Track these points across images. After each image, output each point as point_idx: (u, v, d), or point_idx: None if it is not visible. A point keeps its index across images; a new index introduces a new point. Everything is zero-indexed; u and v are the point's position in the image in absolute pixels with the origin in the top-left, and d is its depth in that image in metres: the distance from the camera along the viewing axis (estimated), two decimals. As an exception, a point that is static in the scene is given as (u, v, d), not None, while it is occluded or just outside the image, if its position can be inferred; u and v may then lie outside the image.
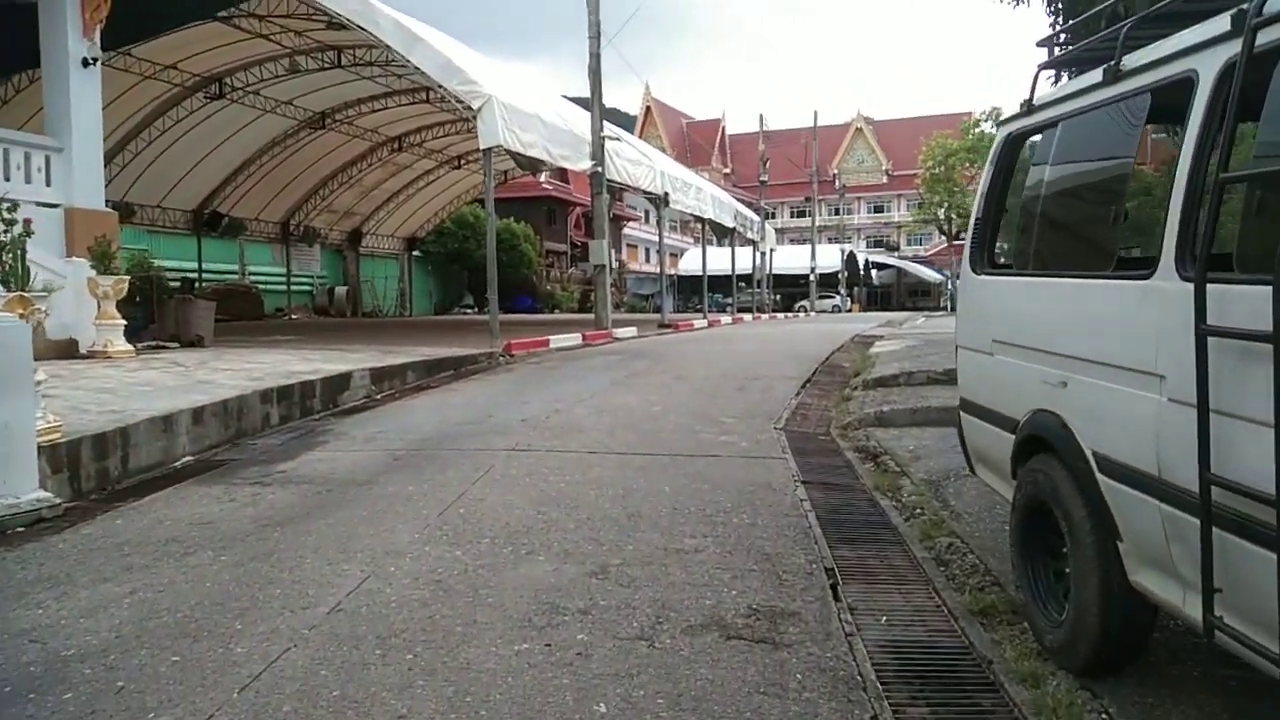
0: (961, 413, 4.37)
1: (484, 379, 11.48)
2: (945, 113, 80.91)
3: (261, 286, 37.22)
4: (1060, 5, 8.95)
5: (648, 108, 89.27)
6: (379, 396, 10.35)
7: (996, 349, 3.82)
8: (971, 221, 4.24)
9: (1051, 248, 3.53)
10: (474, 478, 6.10)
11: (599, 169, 18.11)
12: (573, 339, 16.52)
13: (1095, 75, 3.09)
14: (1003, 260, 4.27)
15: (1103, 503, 2.89)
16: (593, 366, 12.40)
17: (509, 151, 16.16)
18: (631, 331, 19.44)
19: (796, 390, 9.92)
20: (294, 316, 37.35)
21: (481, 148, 15.10)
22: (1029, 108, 3.69)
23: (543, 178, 55.36)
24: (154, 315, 14.73)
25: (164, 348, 13.35)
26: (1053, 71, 9.10)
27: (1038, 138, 3.77)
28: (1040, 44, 4.54)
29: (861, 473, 6.45)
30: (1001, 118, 3.87)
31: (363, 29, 15.49)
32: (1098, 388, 2.91)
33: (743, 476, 6.18)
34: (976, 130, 30.65)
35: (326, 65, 25.85)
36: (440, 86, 15.25)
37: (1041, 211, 3.50)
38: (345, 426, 8.48)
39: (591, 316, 19.93)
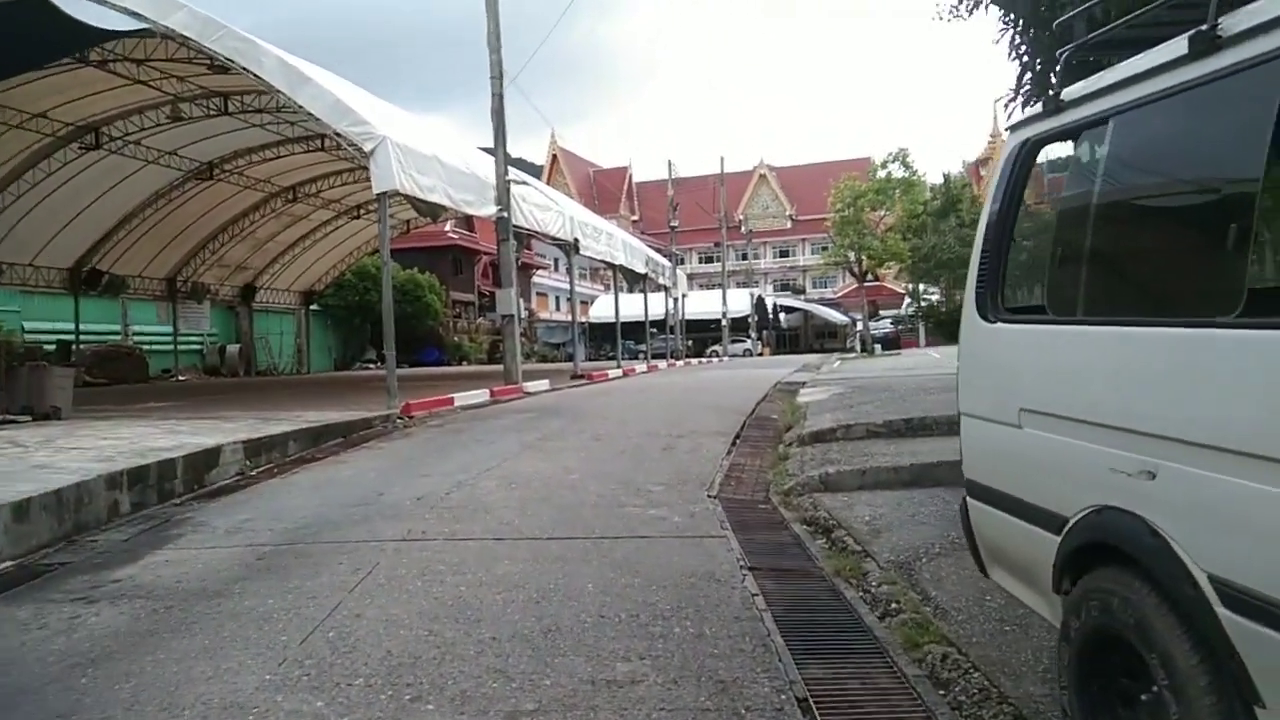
0: (970, 499, 3.46)
1: (377, 447, 10.26)
2: (845, 158, 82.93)
3: (146, 347, 35.01)
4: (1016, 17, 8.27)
5: (554, 156, 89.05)
6: (254, 473, 9.06)
7: (1028, 421, 2.94)
8: (976, 255, 3.39)
9: (1122, 284, 2.68)
10: (352, 583, 4.97)
11: (504, 214, 17.11)
12: (480, 395, 15.36)
13: (1172, 49, 2.26)
14: (1024, 304, 3.42)
15: (1227, 648, 2.00)
16: (502, 427, 11.29)
17: (406, 197, 15.11)
18: (543, 384, 18.37)
19: (727, 448, 9.01)
20: (182, 378, 35.17)
21: (375, 192, 13.99)
22: (1056, 105, 2.86)
23: (447, 226, 54.32)
24: (1, 385, 13.08)
25: (10, 422, 11.75)
26: (1014, 91, 8.33)
27: (1070, 143, 2.94)
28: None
29: (815, 552, 5.53)
30: (1012, 121, 2.96)
31: (245, 70, 14.34)
32: (1215, 483, 2.03)
33: (680, 564, 5.19)
34: (883, 172, 30.71)
35: (213, 112, 24.45)
36: (329, 128, 14.13)
37: (1095, 235, 2.64)
38: (208, 514, 7.21)
39: (501, 368, 18.84)
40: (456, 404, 14.23)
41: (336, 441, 10.78)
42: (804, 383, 16.41)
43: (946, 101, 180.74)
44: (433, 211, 15.78)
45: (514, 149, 20.02)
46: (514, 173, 18.15)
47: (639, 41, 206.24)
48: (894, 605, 4.38)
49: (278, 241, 38.39)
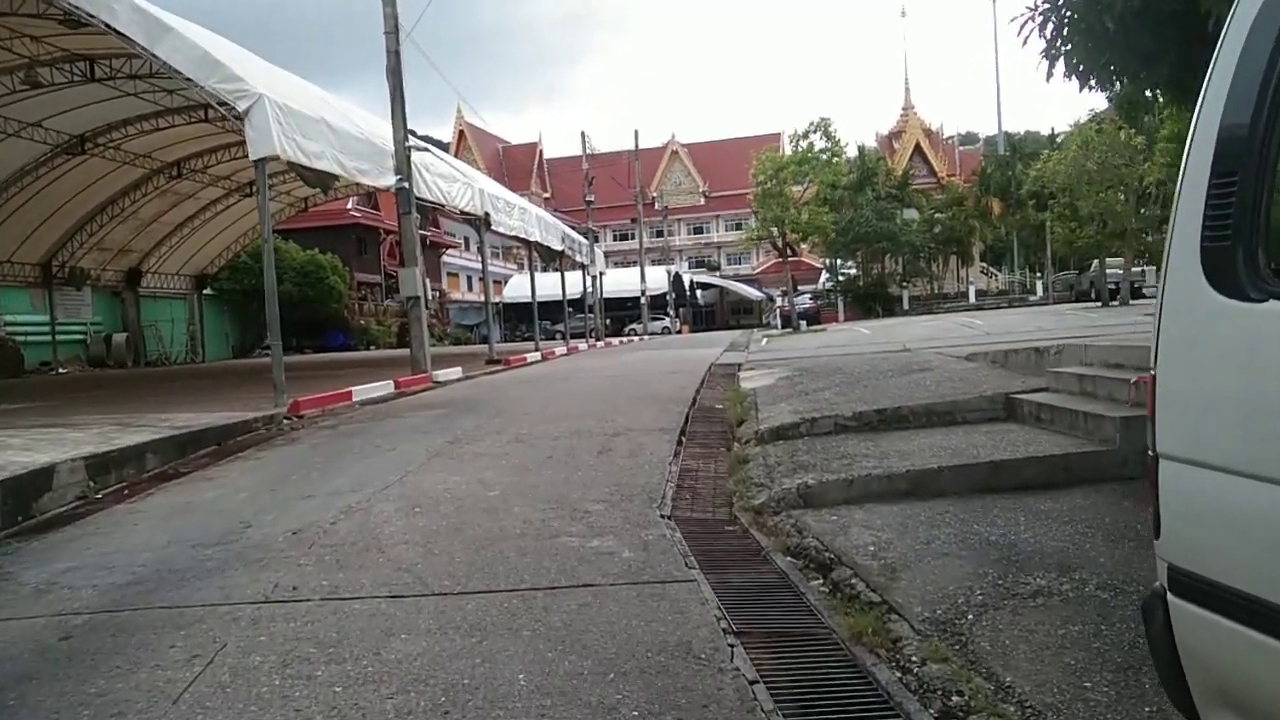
0: (1175, 598, 2.10)
1: (255, 458, 8.62)
2: (756, 134, 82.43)
3: (20, 339, 32.13)
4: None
5: (461, 132, 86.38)
6: (100, 496, 7.39)
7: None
8: (1194, 187, 2.05)
9: None
10: (181, 683, 3.48)
11: (405, 185, 15.38)
12: (383, 388, 13.71)
13: None
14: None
15: None
16: (406, 428, 9.73)
17: (291, 165, 13.31)
18: (455, 372, 16.76)
19: (673, 449, 7.66)
20: (62, 370, 32.44)
21: (251, 158, 12.18)
22: None
23: (349, 204, 51.70)
24: None
25: None
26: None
27: None
28: None
29: (816, 601, 4.21)
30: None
31: (94, 18, 12.36)
32: None
33: (642, 630, 3.83)
34: (805, 142, 29.72)
35: (77, 78, 22.00)
36: (196, 86, 12.24)
37: None
38: (19, 562, 5.57)
39: (409, 351, 17.13)
40: (355, 399, 12.57)
41: (208, 451, 9.09)
42: (740, 364, 15.19)
43: (854, 76, 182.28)
44: (322, 182, 13.99)
45: (420, 128, 18.26)
46: (415, 142, 16.41)
47: (548, 21, 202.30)
48: (956, 699, 3.08)
49: (163, 222, 35.65)
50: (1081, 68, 6.52)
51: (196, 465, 8.49)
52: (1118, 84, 6.94)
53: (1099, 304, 35.38)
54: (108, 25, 12.24)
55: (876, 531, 5.00)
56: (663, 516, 5.69)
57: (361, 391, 12.92)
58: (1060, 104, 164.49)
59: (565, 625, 3.92)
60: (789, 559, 4.85)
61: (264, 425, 10.35)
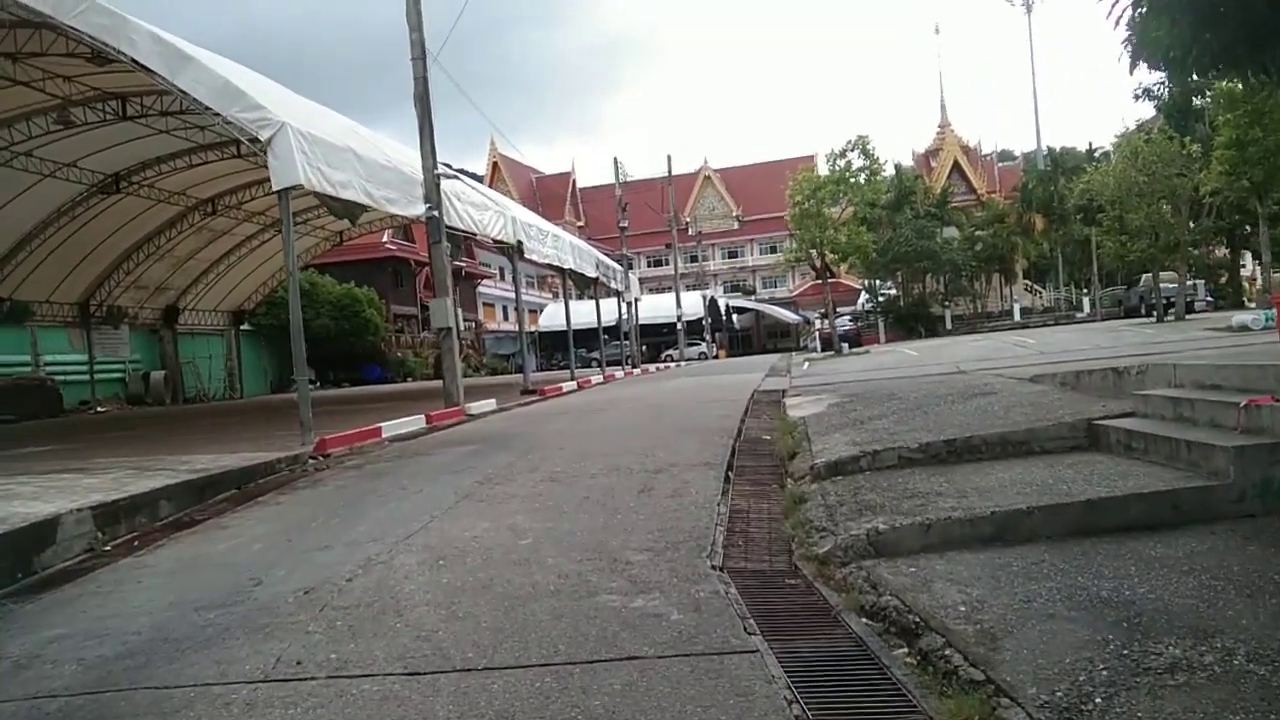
0: None
1: (275, 502, 8.11)
2: (788, 156, 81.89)
3: (59, 378, 32.30)
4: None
5: (494, 164, 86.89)
6: (109, 548, 6.91)
7: None
8: None
9: None
10: (146, 802, 2.91)
11: (435, 213, 14.97)
12: (414, 422, 13.21)
13: None
14: None
15: None
16: (435, 467, 9.18)
17: (317, 195, 12.97)
18: (489, 404, 16.25)
19: (720, 487, 7.01)
20: (100, 409, 32.52)
21: (275, 188, 11.81)
22: None
23: (385, 237, 51.84)
24: None
25: None
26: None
27: None
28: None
29: (904, 678, 3.56)
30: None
31: (116, 50, 12.17)
32: None
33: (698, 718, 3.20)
34: (842, 161, 29.05)
35: (109, 117, 22.06)
36: (217, 115, 11.93)
37: None
38: (9, 629, 5.09)
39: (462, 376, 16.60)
40: (384, 435, 12.07)
41: (227, 496, 8.61)
42: (784, 390, 14.51)
43: (889, 95, 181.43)
44: (350, 212, 13.60)
45: (453, 161, 17.89)
46: (445, 170, 16.02)
47: (580, 52, 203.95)
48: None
49: (200, 259, 35.86)
50: (1173, 54, 5.85)
51: (214, 511, 7.99)
52: (1216, 70, 6.27)
53: (1151, 319, 34.23)
54: (126, 57, 12.01)
55: (965, 586, 4.32)
56: (714, 568, 5.06)
57: (391, 427, 12.43)
58: (1097, 119, 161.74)
59: (608, 713, 3.30)
60: (865, 621, 4.19)
61: (288, 466, 9.87)
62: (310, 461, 10.21)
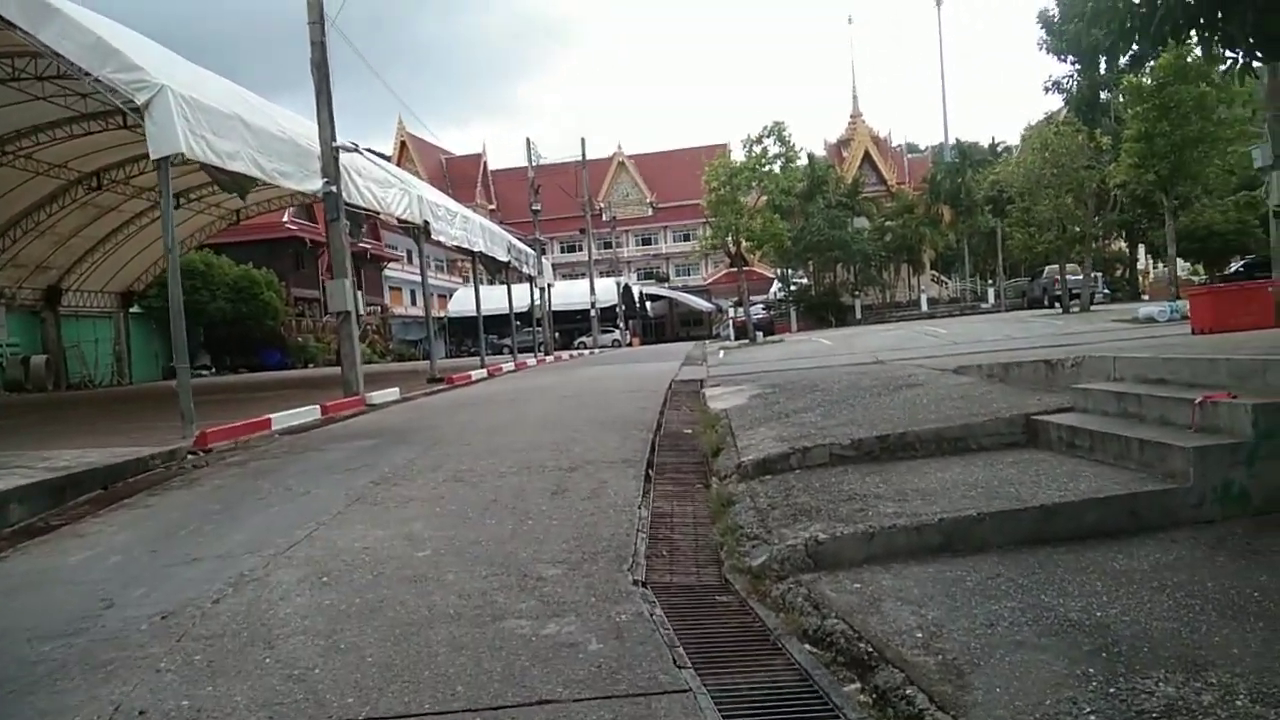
0: None
1: (144, 504, 7.24)
2: (700, 144, 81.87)
3: (-72, 361, 29.98)
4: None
5: (403, 143, 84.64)
6: (-59, 559, 5.99)
7: None
8: None
9: None
10: None
11: (332, 188, 14.01)
12: (308, 413, 12.31)
13: None
14: None
15: None
16: (327, 464, 8.39)
17: (203, 167, 11.95)
18: (392, 393, 15.37)
19: (641, 487, 6.46)
20: (-29, 396, 30.34)
21: (153, 157, 10.78)
22: None
23: (285, 216, 49.73)
24: None
25: None
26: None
27: None
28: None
29: (860, 722, 3.07)
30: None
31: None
32: None
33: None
34: (758, 147, 28.75)
35: (-25, 79, 20.14)
36: (88, 76, 10.81)
37: None
38: None
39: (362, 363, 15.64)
40: (274, 427, 11.17)
41: (91, 497, 7.69)
42: (703, 380, 14.05)
43: (800, 85, 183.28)
44: (239, 185, 12.59)
45: (359, 140, 16.81)
46: (345, 143, 15.02)
47: (493, 34, 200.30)
48: None
49: (84, 237, 33.67)
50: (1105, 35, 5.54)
51: (72, 516, 7.08)
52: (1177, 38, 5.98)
53: (1055, 311, 35.01)
54: (-15, 6, 10.79)
55: (919, 607, 3.85)
56: (636, 583, 4.50)
57: (282, 419, 11.52)
58: (1002, 115, 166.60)
59: (514, 784, 2.71)
60: (808, 648, 3.68)
61: (163, 463, 8.94)
62: (189, 457, 9.30)
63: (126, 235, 33.72)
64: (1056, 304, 39.31)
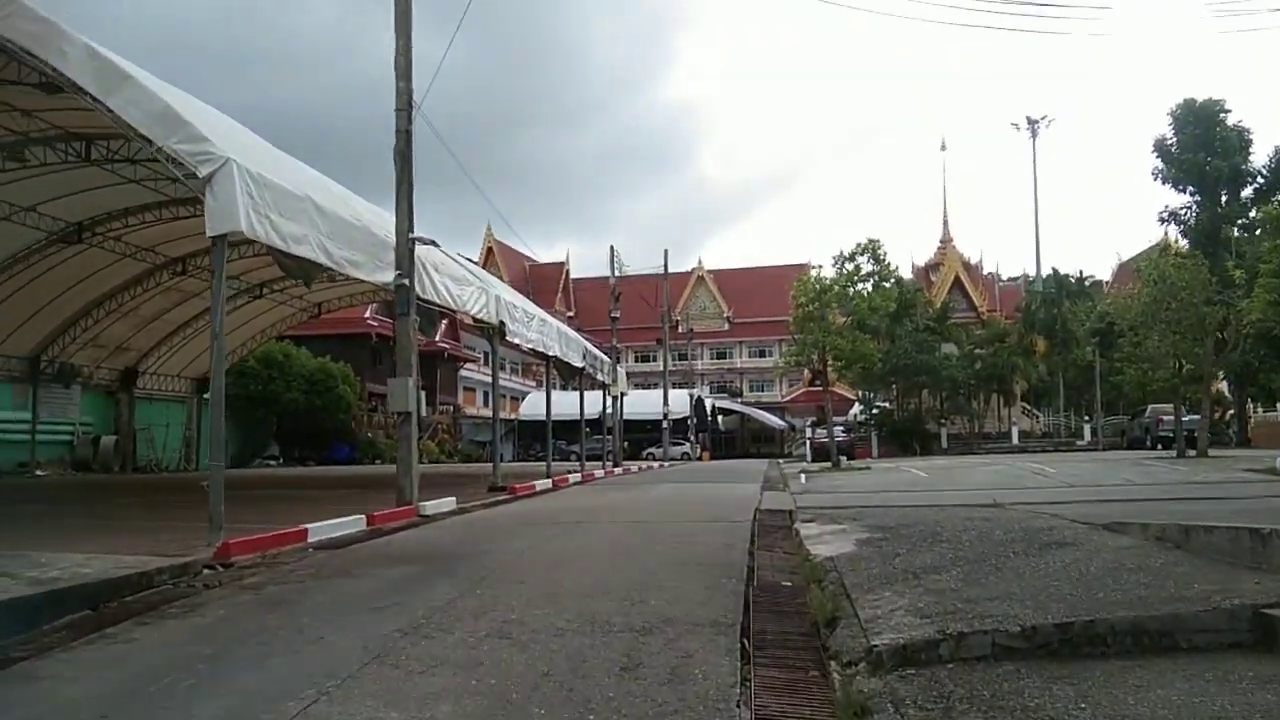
0: None
1: (126, 639, 5.94)
2: (781, 263, 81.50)
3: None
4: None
5: (489, 249, 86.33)
6: None
7: None
8: None
9: None
10: None
11: (405, 281, 13.13)
12: (352, 524, 11.06)
13: None
14: None
15: None
16: (354, 597, 7.03)
17: (269, 250, 11.15)
18: (448, 503, 14.10)
19: (736, 670, 4.93)
20: (40, 473, 30.17)
21: (209, 234, 9.94)
22: None
23: (367, 312, 50.05)
24: None
25: None
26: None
27: None
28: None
29: None
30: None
31: (45, 62, 10.45)
32: None
33: None
34: (851, 264, 27.64)
35: (72, 159, 20.32)
36: (153, 146, 10.14)
37: None
38: None
39: (419, 467, 14.49)
40: (311, 539, 9.92)
41: (75, 618, 6.45)
42: (791, 511, 12.47)
43: (888, 207, 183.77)
44: (305, 272, 11.76)
45: (446, 245, 16.21)
46: (423, 235, 14.22)
47: (585, 156, 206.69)
48: None
49: (165, 321, 33.97)
50: None
51: (42, 646, 5.82)
52: None
53: (1157, 451, 32.50)
54: (56, 70, 10.29)
55: None
56: None
57: (321, 529, 10.27)
58: (1091, 248, 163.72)
59: None
60: None
61: (172, 579, 7.71)
62: (204, 572, 8.05)
63: (207, 322, 33.76)
64: (1159, 445, 36.71)
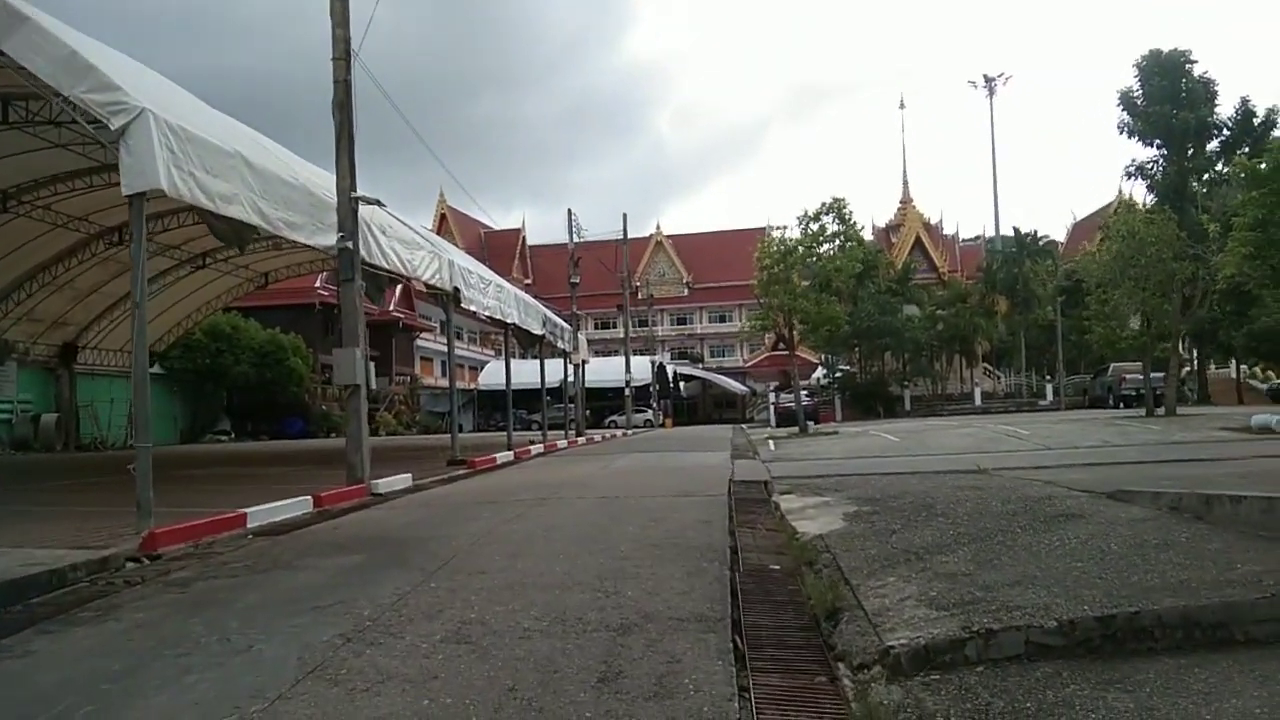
0: None
1: (23, 650, 5.10)
2: (741, 227, 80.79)
3: (-71, 418, 28.53)
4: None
5: (442, 216, 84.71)
6: None
7: None
8: None
9: None
10: None
11: (348, 244, 12.20)
12: (298, 505, 10.23)
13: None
14: None
15: None
16: (292, 593, 6.24)
17: (198, 212, 10.19)
18: (403, 480, 13.28)
19: (731, 677, 4.25)
20: (-27, 455, 28.79)
21: (125, 193, 8.96)
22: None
23: (317, 281, 48.53)
24: None
25: None
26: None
27: None
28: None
29: None
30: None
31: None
32: None
33: None
34: (815, 225, 26.94)
35: (-12, 122, 18.80)
36: (57, 96, 9.11)
37: None
38: None
39: (374, 441, 13.64)
40: (249, 523, 9.08)
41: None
42: (766, 482, 11.85)
43: (847, 167, 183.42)
44: (238, 235, 10.80)
45: (400, 214, 15.22)
46: (366, 195, 13.25)
47: (543, 121, 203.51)
48: None
49: (104, 294, 32.47)
50: None
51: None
52: None
53: (1122, 410, 32.49)
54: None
55: None
56: None
57: (262, 512, 9.43)
58: (1047, 208, 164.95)
59: None
60: None
61: (89, 575, 6.86)
62: (127, 565, 7.21)
63: (150, 294, 32.18)
64: (1121, 404, 36.78)
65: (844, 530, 7.38)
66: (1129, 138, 32.83)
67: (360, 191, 12.59)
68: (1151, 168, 32.13)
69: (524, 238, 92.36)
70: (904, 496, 8.91)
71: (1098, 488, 8.61)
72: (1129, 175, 32.72)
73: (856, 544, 6.73)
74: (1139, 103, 32.40)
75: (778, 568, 6.51)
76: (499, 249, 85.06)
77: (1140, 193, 35.12)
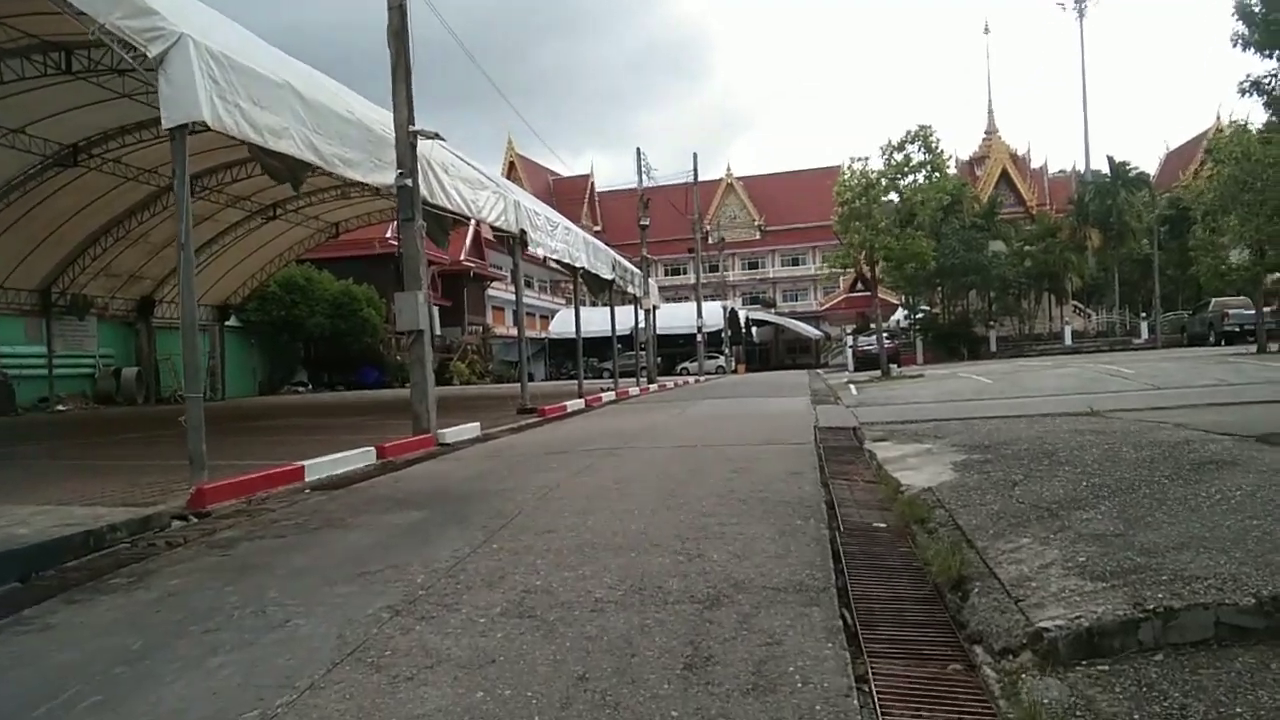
0: None
1: (44, 621, 4.64)
2: (813, 167, 78.48)
3: (13, 372, 29.10)
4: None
5: (510, 163, 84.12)
6: None
7: None
8: None
9: None
10: None
11: (407, 181, 11.56)
12: (360, 457, 9.74)
13: None
14: None
15: None
16: (342, 556, 5.67)
17: (244, 143, 9.61)
18: (471, 429, 12.77)
19: (845, 666, 3.50)
20: (60, 408, 29.40)
21: (165, 125, 8.42)
22: None
23: (388, 231, 48.48)
24: None
25: None
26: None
27: None
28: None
29: None
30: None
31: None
32: None
33: None
34: (900, 154, 25.43)
35: (52, 72, 18.67)
36: (91, 22, 8.56)
37: None
38: None
39: (446, 390, 13.15)
40: (307, 477, 8.60)
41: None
42: (857, 429, 10.99)
43: (928, 99, 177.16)
44: (291, 172, 10.22)
45: (469, 157, 14.49)
46: (426, 129, 12.56)
47: (610, 67, 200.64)
48: None
49: (179, 246, 32.58)
50: None
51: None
52: None
53: (1225, 348, 30.48)
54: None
55: None
56: None
57: (321, 465, 8.95)
58: (1138, 139, 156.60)
59: None
60: None
61: (130, 535, 6.40)
62: (173, 524, 6.75)
63: (223, 246, 32.44)
64: (1223, 341, 34.63)
65: (956, 482, 6.52)
66: (1244, 50, 30.29)
67: (413, 119, 11.91)
68: (1269, 82, 29.58)
69: (593, 184, 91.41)
70: (1017, 442, 7.98)
71: (1240, 431, 7.58)
72: (1243, 92, 30.21)
73: (974, 498, 5.87)
74: (1257, 10, 29.82)
75: (884, 525, 5.71)
76: (568, 196, 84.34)
77: (1253, 113, 32.71)
